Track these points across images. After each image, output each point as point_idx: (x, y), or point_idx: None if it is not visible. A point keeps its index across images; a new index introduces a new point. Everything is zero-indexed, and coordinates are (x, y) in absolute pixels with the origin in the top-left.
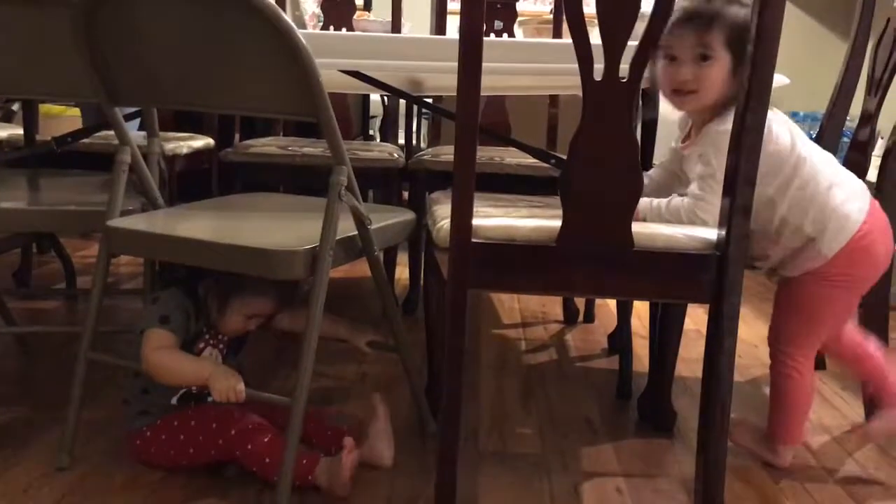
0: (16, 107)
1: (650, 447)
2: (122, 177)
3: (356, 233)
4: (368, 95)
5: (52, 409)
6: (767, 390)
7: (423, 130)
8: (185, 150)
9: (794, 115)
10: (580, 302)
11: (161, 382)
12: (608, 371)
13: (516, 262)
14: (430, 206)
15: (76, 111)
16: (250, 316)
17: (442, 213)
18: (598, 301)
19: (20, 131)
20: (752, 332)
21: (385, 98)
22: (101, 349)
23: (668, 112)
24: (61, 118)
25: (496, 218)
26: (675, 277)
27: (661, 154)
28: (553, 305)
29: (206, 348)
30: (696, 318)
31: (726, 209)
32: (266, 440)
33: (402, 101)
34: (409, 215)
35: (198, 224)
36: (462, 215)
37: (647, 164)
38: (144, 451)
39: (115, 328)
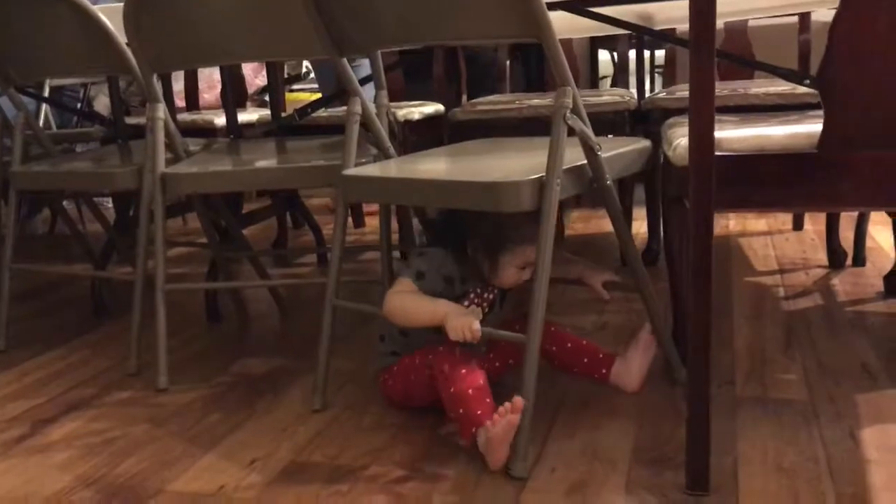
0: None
1: None
2: (354, 127)
3: (585, 162)
4: (597, 54)
5: (308, 359)
6: None
7: (658, 86)
8: (416, 116)
9: None
10: (847, 244)
11: (397, 323)
12: (886, 315)
13: (770, 175)
14: (664, 132)
15: (318, 96)
16: (522, 266)
17: (679, 133)
18: (869, 243)
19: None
20: None
21: (614, 55)
22: (352, 300)
23: None
24: (306, 103)
25: (741, 129)
26: None
27: None
28: (815, 250)
29: (469, 307)
30: None
31: None
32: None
33: (633, 55)
34: (643, 143)
35: (426, 167)
36: (703, 125)
37: None
38: (387, 385)
39: (363, 278)
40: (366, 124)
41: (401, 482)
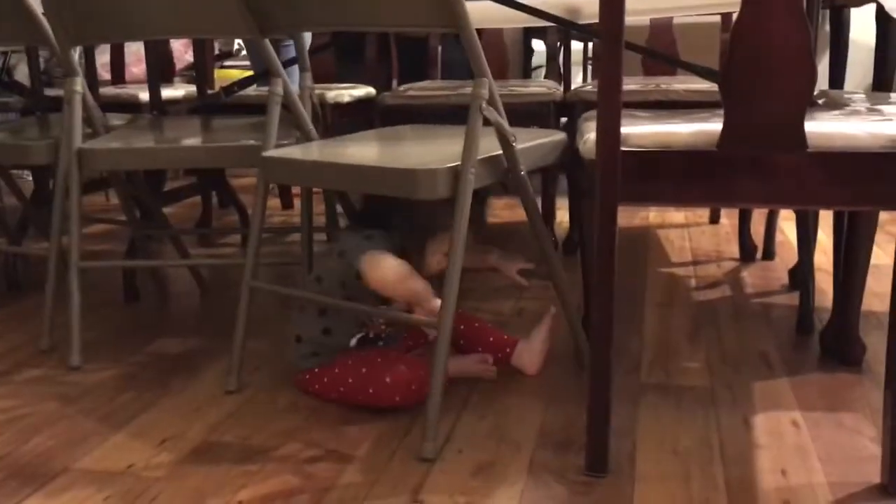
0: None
1: (834, 382)
2: (275, 108)
3: (501, 152)
4: (531, 45)
5: (226, 340)
6: None
7: (589, 77)
8: (346, 99)
9: None
10: (758, 238)
11: (379, 290)
12: (788, 307)
13: (672, 171)
14: (580, 125)
15: (250, 73)
16: (447, 252)
17: (591, 127)
18: (778, 237)
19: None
20: None
21: (546, 46)
22: (275, 282)
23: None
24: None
25: (649, 125)
26: (856, 181)
27: (853, 82)
28: (728, 243)
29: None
30: (890, 251)
31: None
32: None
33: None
34: (559, 136)
35: (346, 151)
36: (609, 121)
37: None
38: (312, 385)
39: (289, 260)
40: (287, 106)
41: (311, 462)
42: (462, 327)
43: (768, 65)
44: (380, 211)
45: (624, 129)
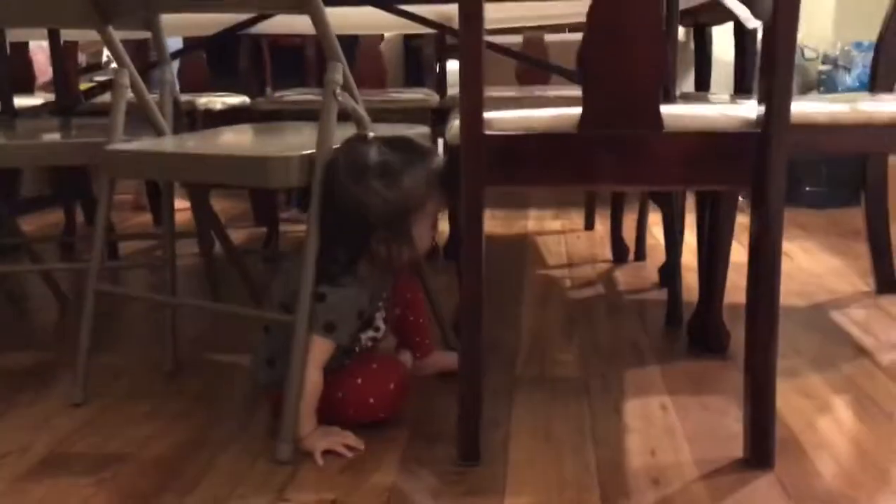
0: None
1: (700, 368)
2: (121, 100)
3: None
4: (419, 54)
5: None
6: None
7: None
8: (219, 106)
9: (857, 46)
10: (630, 240)
11: None
12: (658, 302)
13: (535, 154)
14: (449, 120)
15: None
16: (433, 224)
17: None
18: (649, 240)
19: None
20: (817, 263)
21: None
22: (156, 288)
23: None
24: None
25: (513, 111)
26: (710, 160)
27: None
28: (602, 248)
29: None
30: None
31: (766, 81)
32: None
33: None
34: (422, 129)
35: (199, 143)
36: (471, 105)
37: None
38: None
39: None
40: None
41: (173, 466)
42: (406, 310)
43: (622, 47)
44: (349, 227)
45: (487, 114)
